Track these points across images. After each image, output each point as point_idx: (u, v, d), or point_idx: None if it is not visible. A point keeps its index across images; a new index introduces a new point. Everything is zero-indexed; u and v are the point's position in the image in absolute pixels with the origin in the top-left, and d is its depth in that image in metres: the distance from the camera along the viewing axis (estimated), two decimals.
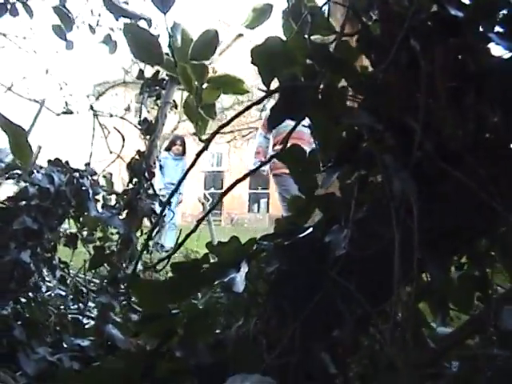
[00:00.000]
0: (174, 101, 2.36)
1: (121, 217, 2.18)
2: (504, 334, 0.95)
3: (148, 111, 2.31)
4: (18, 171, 2.51)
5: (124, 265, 2.10)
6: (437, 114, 1.15)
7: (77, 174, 2.51)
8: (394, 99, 1.17)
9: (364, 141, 1.19)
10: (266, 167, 6.05)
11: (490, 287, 1.23)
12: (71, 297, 2.30)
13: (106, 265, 2.33)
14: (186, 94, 1.83)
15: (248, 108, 1.23)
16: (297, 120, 1.21)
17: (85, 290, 2.39)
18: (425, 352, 1.12)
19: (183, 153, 9.42)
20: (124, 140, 3.11)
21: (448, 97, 1.17)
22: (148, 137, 2.24)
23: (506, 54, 1.22)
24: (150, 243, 2.35)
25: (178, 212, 8.76)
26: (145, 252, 2.34)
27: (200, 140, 1.57)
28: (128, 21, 1.41)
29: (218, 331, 1.26)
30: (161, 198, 2.37)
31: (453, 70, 1.19)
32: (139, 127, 2.25)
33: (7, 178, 2.41)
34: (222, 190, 1.32)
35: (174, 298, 1.21)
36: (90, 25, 3.19)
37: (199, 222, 1.31)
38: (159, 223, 2.26)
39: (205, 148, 1.26)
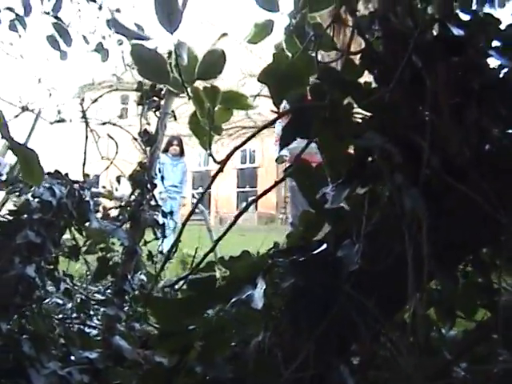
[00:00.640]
0: (173, 111, 2.39)
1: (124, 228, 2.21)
2: None
3: (148, 123, 2.33)
4: (20, 184, 2.53)
5: (129, 276, 2.13)
6: (441, 130, 1.19)
7: (77, 186, 2.53)
8: (400, 117, 1.21)
9: (371, 157, 1.23)
10: (287, 152, 6.18)
11: (495, 294, 1.27)
12: (75, 309, 2.32)
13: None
14: (186, 105, 1.86)
15: (261, 130, 1.27)
16: (308, 138, 1.25)
17: (89, 301, 2.42)
18: (437, 361, 1.16)
19: (181, 153, 9.15)
20: (117, 146, 3.13)
21: (451, 113, 1.21)
22: (148, 148, 2.27)
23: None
24: (154, 253, 2.38)
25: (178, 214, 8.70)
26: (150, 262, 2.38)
27: (204, 149, 1.61)
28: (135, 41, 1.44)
29: (233, 344, 1.30)
30: (162, 205, 2.40)
31: (455, 86, 1.24)
32: (139, 138, 2.27)
33: (8, 193, 2.42)
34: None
35: (191, 314, 1.25)
36: (84, 36, 3.20)
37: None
38: (163, 233, 2.29)
39: (220, 170, 1.29)
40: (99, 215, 2.58)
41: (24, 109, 3.84)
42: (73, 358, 2.05)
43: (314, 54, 1.37)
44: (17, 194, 2.39)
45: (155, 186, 2.23)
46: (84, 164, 2.93)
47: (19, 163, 1.43)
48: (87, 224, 2.54)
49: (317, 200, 1.31)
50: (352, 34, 1.29)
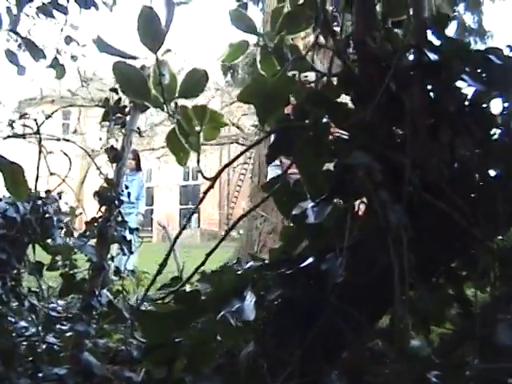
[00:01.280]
0: (138, 128, 2.41)
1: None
2: (498, 347, 1.06)
3: (116, 139, 2.35)
4: None
5: (96, 292, 2.13)
6: (419, 149, 1.27)
7: (40, 202, 2.52)
8: (379, 137, 1.28)
9: (351, 175, 1.29)
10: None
11: (468, 303, 1.35)
12: (40, 326, 2.30)
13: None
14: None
15: (247, 149, 1.32)
16: (290, 156, 1.30)
17: (53, 318, 2.39)
18: (415, 367, 1.23)
19: (137, 168, 8.80)
20: (71, 162, 3.12)
21: (427, 133, 1.29)
22: (115, 165, 2.28)
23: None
24: (122, 268, 2.39)
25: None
26: (116, 278, 2.38)
27: (180, 165, 1.64)
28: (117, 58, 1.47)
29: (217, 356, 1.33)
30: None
31: (430, 108, 1.32)
32: (106, 154, 2.28)
33: None
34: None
35: (178, 327, 1.28)
36: (41, 50, 3.17)
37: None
38: (130, 249, 2.29)
39: (211, 186, 1.33)
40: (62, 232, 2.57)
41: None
42: (40, 374, 2.04)
43: (292, 75, 1.43)
44: None
45: (122, 202, 2.24)
46: (37, 180, 2.90)
47: (4, 178, 1.43)
48: (49, 240, 2.53)
49: (297, 215, 1.36)
50: (333, 56, 1.36)
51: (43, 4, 3.26)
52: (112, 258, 2.26)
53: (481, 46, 13.02)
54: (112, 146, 2.31)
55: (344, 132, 1.36)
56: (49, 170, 3.34)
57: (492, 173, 1.31)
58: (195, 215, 29.65)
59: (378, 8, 1.50)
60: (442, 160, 1.28)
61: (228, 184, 27.43)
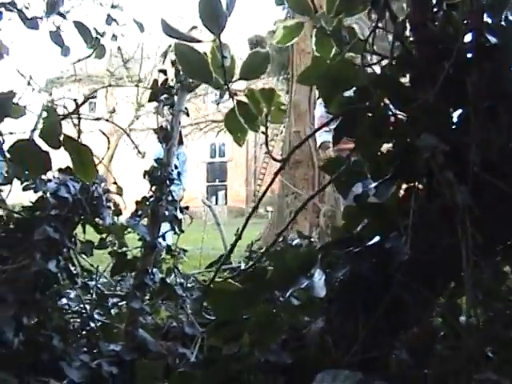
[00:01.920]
0: (186, 108, 2.45)
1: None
2: None
3: (167, 120, 2.38)
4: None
5: (149, 270, 2.19)
6: (479, 130, 1.29)
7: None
8: (441, 119, 1.31)
9: (414, 156, 1.32)
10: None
11: None
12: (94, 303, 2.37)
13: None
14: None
15: (312, 134, 1.35)
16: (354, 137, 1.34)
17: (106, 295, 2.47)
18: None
19: (180, 142, 8.96)
20: (109, 141, 3.18)
21: (488, 115, 1.31)
22: (165, 144, 2.32)
23: None
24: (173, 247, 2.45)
25: None
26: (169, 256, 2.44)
27: (238, 144, 1.68)
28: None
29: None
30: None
31: (488, 90, 1.34)
32: (156, 134, 2.33)
33: (24, 189, 2.45)
34: None
35: (247, 304, 1.33)
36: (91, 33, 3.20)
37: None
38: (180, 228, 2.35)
39: (282, 167, 1.37)
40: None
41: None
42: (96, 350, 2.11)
43: (353, 57, 1.46)
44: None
45: (172, 181, 2.29)
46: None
47: (72, 159, 1.48)
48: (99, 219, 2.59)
49: (359, 195, 1.40)
50: (393, 39, 1.38)
51: None
52: (163, 237, 2.32)
53: None
54: (161, 126, 2.36)
55: (402, 113, 1.39)
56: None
57: None
58: (223, 192, 29.85)
59: None
60: (501, 140, 1.30)
61: (255, 161, 27.47)
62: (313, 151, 7.89)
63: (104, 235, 2.42)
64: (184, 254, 2.55)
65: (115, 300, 2.56)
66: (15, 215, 2.43)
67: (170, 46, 3.78)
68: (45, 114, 1.56)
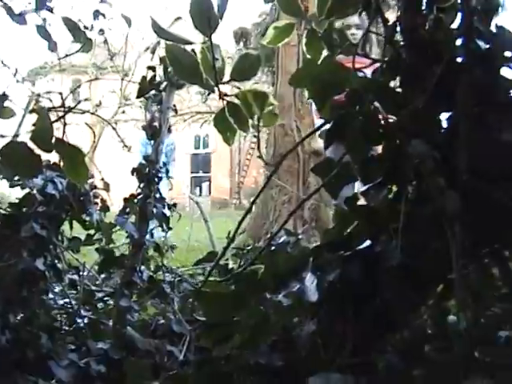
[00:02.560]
0: (174, 105, 2.45)
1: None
2: None
3: (154, 116, 2.37)
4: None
5: (138, 268, 2.19)
6: (468, 135, 1.30)
7: None
8: (430, 124, 1.32)
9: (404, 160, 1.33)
10: None
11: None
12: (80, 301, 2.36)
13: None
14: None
15: (309, 134, 1.35)
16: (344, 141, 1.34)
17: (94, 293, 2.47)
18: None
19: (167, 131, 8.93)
20: (95, 135, 3.16)
21: (477, 120, 1.33)
22: (153, 142, 2.32)
23: None
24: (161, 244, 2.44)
25: None
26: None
27: (227, 144, 1.68)
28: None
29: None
30: None
31: (477, 95, 1.35)
32: (145, 132, 2.33)
33: (10, 186, 2.44)
34: None
35: (237, 306, 1.33)
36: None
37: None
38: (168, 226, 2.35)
39: (276, 169, 1.38)
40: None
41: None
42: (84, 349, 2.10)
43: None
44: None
45: (161, 178, 2.29)
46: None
47: (63, 161, 1.47)
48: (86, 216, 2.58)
49: (350, 198, 1.41)
50: (385, 42, 1.39)
51: None
52: (152, 235, 2.32)
53: None
54: (150, 124, 2.35)
55: (393, 117, 1.41)
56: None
57: None
58: (207, 184, 29.82)
59: None
60: (490, 146, 1.32)
61: (239, 153, 27.46)
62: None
63: (91, 232, 2.42)
64: (172, 251, 2.56)
65: (101, 295, 2.56)
66: (2, 211, 2.42)
67: (158, 42, 3.77)
68: (33, 114, 1.54)
